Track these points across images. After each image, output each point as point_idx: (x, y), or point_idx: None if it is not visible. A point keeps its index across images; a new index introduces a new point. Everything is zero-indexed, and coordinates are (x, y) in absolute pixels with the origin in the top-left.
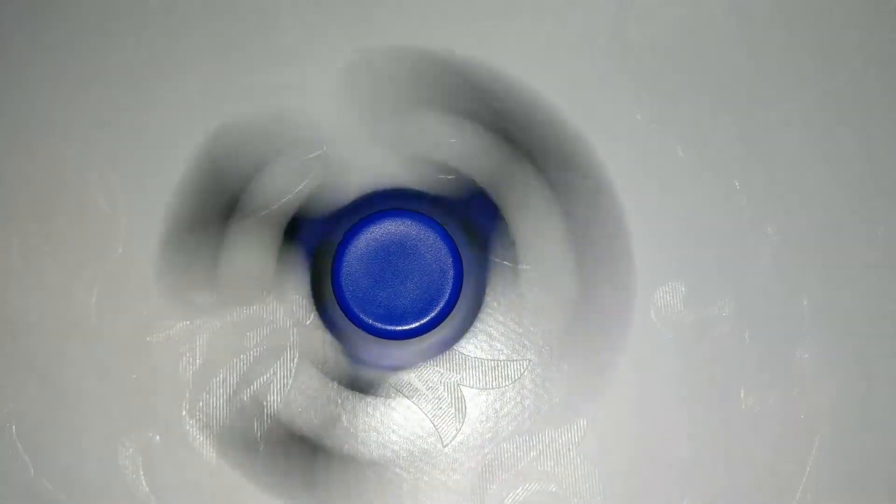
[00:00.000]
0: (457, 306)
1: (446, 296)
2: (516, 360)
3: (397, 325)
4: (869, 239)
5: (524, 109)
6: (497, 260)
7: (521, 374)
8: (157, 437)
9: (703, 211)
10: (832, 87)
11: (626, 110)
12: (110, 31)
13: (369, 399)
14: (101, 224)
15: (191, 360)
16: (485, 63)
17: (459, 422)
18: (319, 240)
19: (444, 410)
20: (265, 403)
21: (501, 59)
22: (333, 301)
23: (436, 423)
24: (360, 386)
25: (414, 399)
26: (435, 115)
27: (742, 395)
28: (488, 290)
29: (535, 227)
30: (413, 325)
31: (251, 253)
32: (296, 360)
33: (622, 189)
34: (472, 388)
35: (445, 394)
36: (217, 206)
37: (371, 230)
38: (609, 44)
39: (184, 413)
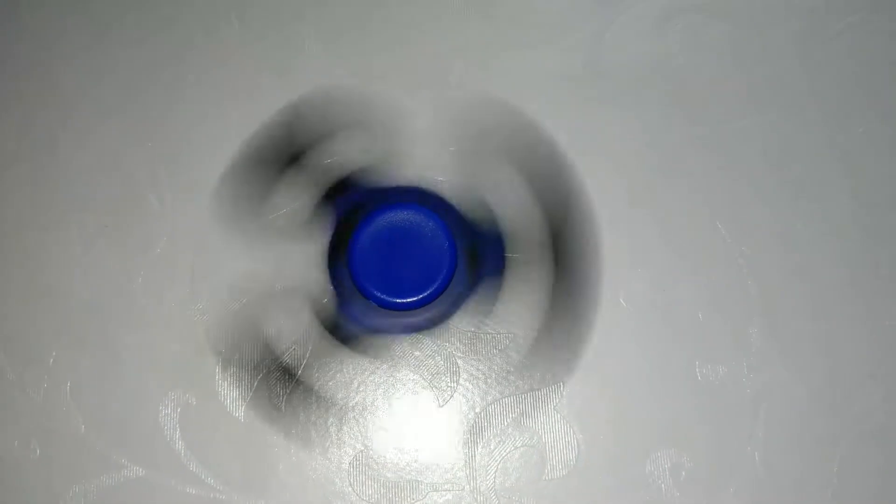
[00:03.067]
0: (451, 286)
1: (442, 276)
2: (503, 334)
3: (399, 298)
4: (812, 228)
5: (509, 124)
6: (488, 248)
7: (507, 346)
8: (193, 400)
9: (665, 210)
10: (780, 106)
11: (602, 123)
12: (165, 42)
13: (372, 360)
14: (149, 217)
15: (222, 332)
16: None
17: (453, 386)
18: (348, 210)
19: (440, 375)
20: (286, 367)
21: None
22: (345, 267)
23: (432, 387)
24: (350, 342)
25: (413, 365)
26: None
27: (697, 366)
28: (480, 280)
29: (519, 221)
30: (412, 299)
31: (294, 200)
32: (300, 312)
33: (594, 192)
34: (464, 357)
35: (441, 361)
36: (283, 155)
37: (387, 216)
38: (583, 72)
39: (216, 377)
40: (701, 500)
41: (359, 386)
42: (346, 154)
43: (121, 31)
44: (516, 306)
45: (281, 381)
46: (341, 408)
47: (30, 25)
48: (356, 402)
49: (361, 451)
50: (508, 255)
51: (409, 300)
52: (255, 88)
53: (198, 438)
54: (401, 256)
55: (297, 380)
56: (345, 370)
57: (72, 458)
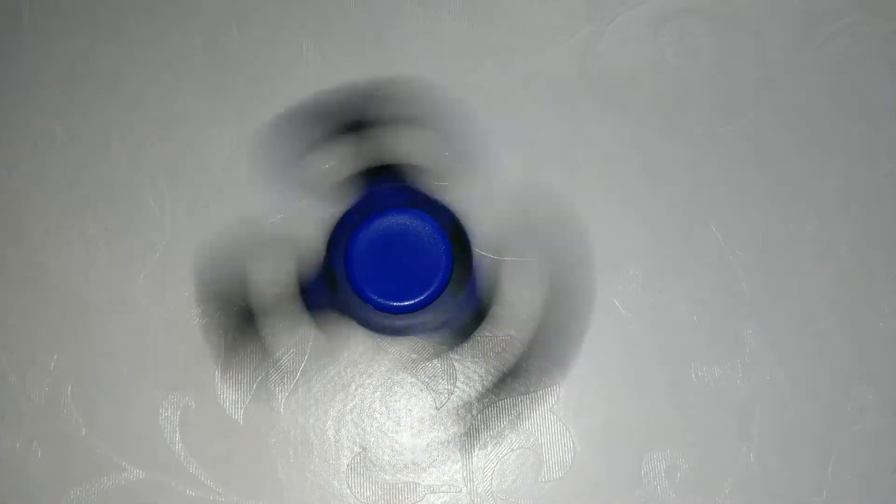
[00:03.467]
0: (446, 291)
1: (437, 281)
2: (499, 336)
3: (395, 301)
4: (805, 229)
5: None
6: (482, 252)
7: (503, 348)
8: (193, 402)
9: (659, 211)
10: (773, 109)
11: (596, 126)
12: (161, 53)
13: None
14: (149, 220)
15: (222, 335)
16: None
17: (450, 388)
18: (374, 203)
19: (437, 378)
20: (286, 369)
21: (496, 84)
22: (342, 266)
23: (430, 389)
24: (323, 320)
25: (411, 368)
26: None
27: (692, 367)
28: (473, 279)
29: (514, 225)
30: (408, 303)
31: (335, 162)
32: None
33: (586, 195)
34: (461, 359)
35: (438, 363)
36: (343, 119)
37: (384, 220)
38: (578, 76)
39: (216, 380)
40: (696, 500)
41: (357, 388)
42: (405, 145)
43: (121, 37)
44: (512, 309)
45: (277, 379)
46: (339, 410)
47: (31, 32)
48: (354, 405)
49: (359, 453)
50: (501, 257)
51: (405, 304)
52: (254, 94)
53: (197, 441)
54: (397, 260)
55: (255, 327)
56: (334, 368)
57: (73, 460)
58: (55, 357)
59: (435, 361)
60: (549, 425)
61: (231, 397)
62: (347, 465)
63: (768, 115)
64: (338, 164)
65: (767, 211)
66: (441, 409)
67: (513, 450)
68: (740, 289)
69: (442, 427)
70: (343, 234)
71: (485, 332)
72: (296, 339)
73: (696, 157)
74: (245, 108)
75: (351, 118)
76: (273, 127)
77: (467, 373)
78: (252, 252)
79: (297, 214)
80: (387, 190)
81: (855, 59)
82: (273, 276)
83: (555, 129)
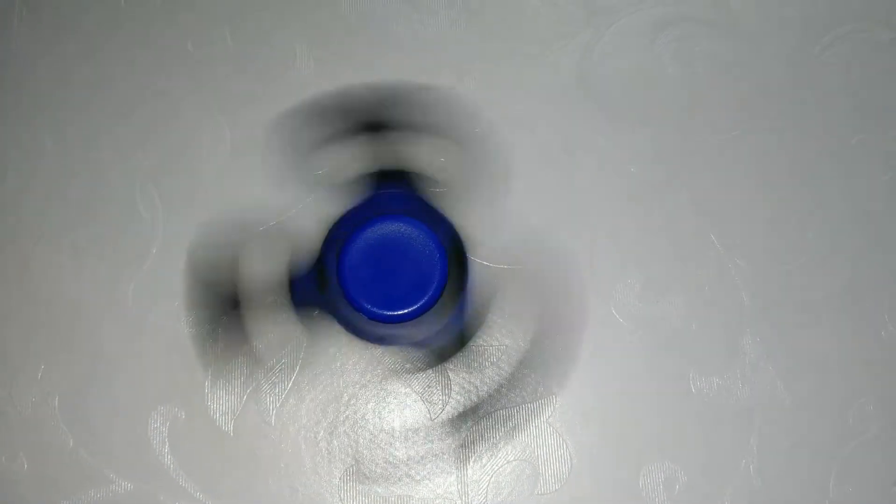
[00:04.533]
0: (440, 299)
1: (431, 289)
2: (494, 346)
3: (388, 310)
4: (800, 241)
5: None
6: (478, 260)
7: (499, 358)
8: (182, 413)
9: (655, 220)
10: (773, 117)
11: (594, 134)
12: (153, 65)
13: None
14: (139, 229)
15: (213, 344)
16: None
17: (445, 399)
18: (376, 207)
19: (432, 388)
20: (277, 379)
21: (494, 89)
22: (335, 270)
23: (424, 400)
24: (307, 318)
25: (405, 379)
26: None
27: (690, 377)
28: (469, 286)
29: (510, 229)
30: (401, 312)
31: (346, 163)
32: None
33: (583, 203)
34: (455, 368)
35: (433, 373)
36: (359, 119)
37: (377, 228)
38: (576, 82)
39: (206, 391)
40: None
41: (350, 399)
42: (413, 152)
43: (113, 45)
44: (508, 318)
45: (269, 389)
46: (331, 421)
47: (22, 39)
48: (346, 416)
49: (352, 466)
50: (498, 265)
51: (399, 312)
52: (247, 101)
53: (187, 453)
54: (391, 268)
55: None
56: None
57: (60, 472)
58: (42, 367)
59: (429, 371)
60: (545, 437)
61: (221, 408)
62: (340, 478)
63: (767, 124)
64: (347, 162)
65: (767, 219)
66: (436, 420)
67: (509, 462)
68: (739, 298)
69: (436, 438)
70: (340, 235)
71: (480, 342)
72: (287, 348)
73: (696, 164)
74: (238, 115)
75: (370, 117)
76: (286, 120)
77: (462, 383)
78: (246, 239)
79: (299, 210)
80: (390, 195)
81: (854, 67)
82: (265, 266)
83: (551, 135)
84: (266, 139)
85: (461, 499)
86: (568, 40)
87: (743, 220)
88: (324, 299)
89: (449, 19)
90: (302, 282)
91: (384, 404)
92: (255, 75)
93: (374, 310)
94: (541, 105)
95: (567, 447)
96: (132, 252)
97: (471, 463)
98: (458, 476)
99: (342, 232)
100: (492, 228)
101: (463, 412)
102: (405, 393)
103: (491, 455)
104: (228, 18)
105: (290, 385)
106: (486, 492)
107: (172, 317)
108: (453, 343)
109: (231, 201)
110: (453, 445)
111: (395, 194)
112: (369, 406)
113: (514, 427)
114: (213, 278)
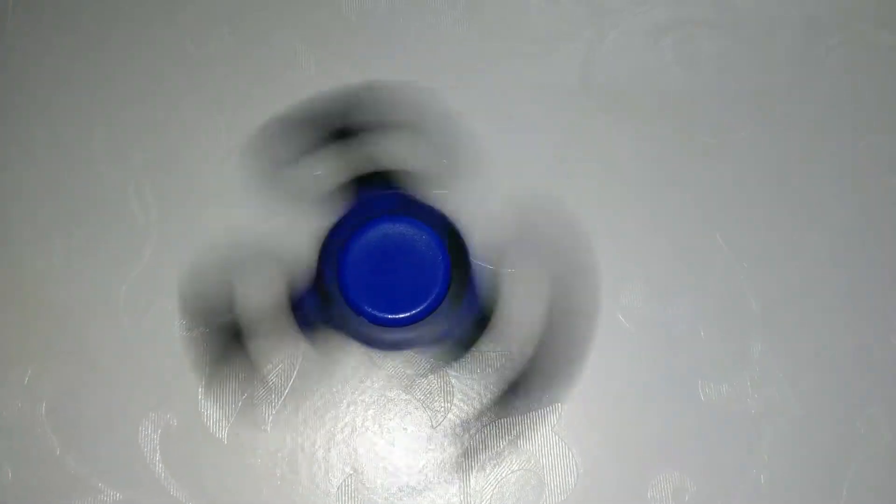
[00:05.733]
0: (442, 303)
1: (434, 292)
2: (498, 352)
3: (390, 314)
4: (808, 244)
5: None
6: (481, 263)
7: (503, 364)
8: (174, 420)
9: (661, 222)
10: (778, 118)
11: (598, 135)
12: (149, 58)
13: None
14: (134, 230)
15: (207, 350)
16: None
17: (447, 406)
18: (367, 212)
19: (433, 395)
20: (273, 385)
21: (496, 89)
22: (335, 275)
23: (425, 407)
24: (317, 337)
25: (406, 385)
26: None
27: (699, 385)
28: (472, 291)
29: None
30: (404, 315)
31: (323, 174)
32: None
33: (588, 205)
34: (458, 375)
35: (435, 380)
36: (333, 125)
37: (378, 229)
38: (578, 83)
39: (199, 397)
40: None
41: (348, 406)
42: (395, 152)
43: (110, 43)
44: (512, 323)
45: (265, 397)
46: (329, 429)
47: (15, 35)
48: (345, 424)
49: (350, 475)
50: (500, 268)
51: (401, 316)
52: (246, 99)
53: (179, 461)
54: (392, 270)
55: (245, 350)
56: (326, 386)
57: (46, 481)
58: (29, 372)
59: (431, 378)
60: (551, 446)
61: (215, 415)
62: (338, 488)
63: (773, 126)
64: (328, 172)
65: (774, 221)
66: (437, 429)
67: (513, 471)
68: (748, 302)
69: (438, 447)
70: (335, 245)
71: (483, 347)
72: (284, 353)
73: (702, 165)
74: (236, 114)
75: (339, 124)
76: (261, 134)
77: (465, 390)
78: (240, 265)
79: (287, 226)
80: (380, 197)
81: (859, 69)
82: (263, 291)
83: (555, 136)
84: (251, 150)
85: None
86: (571, 41)
87: (750, 222)
88: (328, 314)
89: (452, 19)
90: (304, 302)
91: (384, 412)
92: (255, 75)
93: (377, 313)
94: (543, 105)
95: (573, 456)
96: (125, 252)
97: (473, 472)
98: (460, 486)
99: (339, 238)
100: (493, 231)
101: (465, 420)
102: (406, 400)
103: (494, 464)
104: (228, 17)
105: (286, 391)
106: (490, 502)
107: (165, 320)
108: (469, 334)
109: (227, 203)
110: (455, 454)
111: (387, 196)
112: (369, 413)
113: (519, 435)
114: (210, 308)
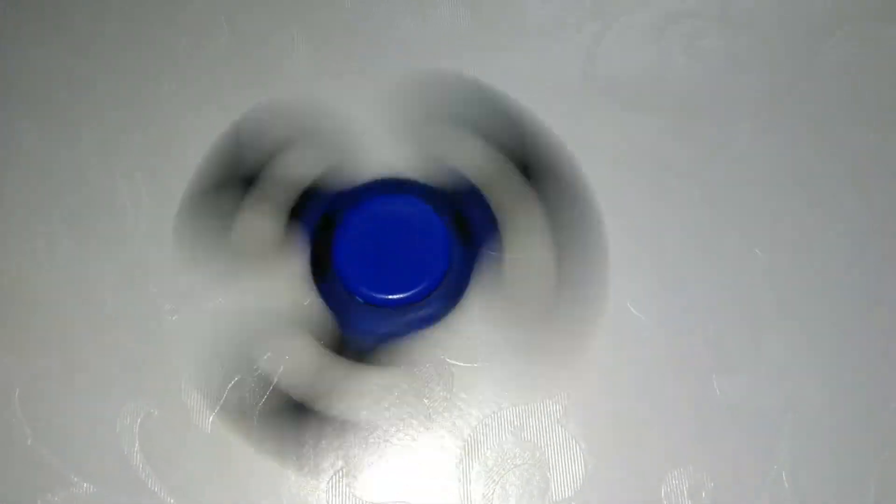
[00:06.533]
0: (445, 282)
1: (436, 269)
2: (502, 338)
3: (390, 294)
4: (828, 233)
5: (516, 124)
6: (485, 249)
7: (507, 351)
8: (155, 410)
9: (672, 212)
10: (786, 110)
11: (604, 127)
12: (140, 58)
13: (361, 367)
14: (121, 220)
15: (192, 339)
16: (485, 85)
17: (446, 395)
18: (322, 216)
19: (432, 383)
20: (263, 376)
21: (498, 82)
22: (332, 273)
23: (423, 396)
24: (353, 355)
25: (405, 371)
26: (443, 125)
27: (714, 377)
28: (475, 275)
29: (521, 223)
30: (403, 295)
31: (261, 222)
32: (294, 334)
33: (599, 193)
34: (459, 362)
35: (433, 368)
36: (237, 176)
37: (370, 208)
38: (581, 75)
39: (181, 385)
40: None
41: (339, 396)
42: (300, 167)
43: (104, 36)
44: (517, 308)
45: (254, 389)
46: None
47: (7, 26)
48: (336, 414)
49: (341, 469)
50: (507, 255)
51: (405, 295)
52: (240, 93)
53: (159, 453)
54: (391, 250)
55: (312, 410)
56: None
57: (16, 472)
58: (4, 359)
59: (428, 365)
60: (557, 439)
61: (198, 404)
62: (327, 483)
63: (783, 116)
64: (264, 223)
65: (789, 210)
66: (435, 419)
67: (516, 465)
68: (764, 291)
69: (436, 439)
70: (325, 274)
71: (485, 336)
72: (275, 340)
73: (713, 156)
74: (228, 107)
75: (238, 174)
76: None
77: (466, 378)
78: (255, 350)
79: (267, 286)
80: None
81: (866, 62)
82: (294, 355)
83: (559, 128)
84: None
85: None
86: (574, 32)
87: (766, 212)
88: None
89: (452, 11)
90: (343, 337)
91: (378, 400)
92: (253, 71)
93: (376, 295)
94: (549, 99)
95: (580, 450)
96: (113, 242)
97: (474, 467)
98: (460, 481)
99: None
100: (499, 218)
101: (465, 410)
102: (402, 388)
103: (497, 458)
104: (226, 15)
105: (274, 380)
106: (492, 500)
107: (148, 305)
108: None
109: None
110: (454, 447)
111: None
112: (361, 403)
113: (522, 427)
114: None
